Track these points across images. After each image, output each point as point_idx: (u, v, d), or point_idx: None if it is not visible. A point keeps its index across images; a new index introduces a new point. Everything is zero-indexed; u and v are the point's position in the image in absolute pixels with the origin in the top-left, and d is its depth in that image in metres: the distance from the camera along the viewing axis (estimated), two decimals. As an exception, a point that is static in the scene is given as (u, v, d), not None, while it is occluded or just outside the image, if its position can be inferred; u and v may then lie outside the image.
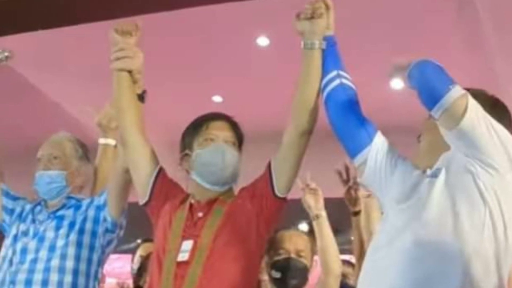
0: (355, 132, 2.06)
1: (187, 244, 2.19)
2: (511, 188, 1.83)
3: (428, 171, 1.93)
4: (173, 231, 2.25)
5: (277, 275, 2.62)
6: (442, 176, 1.87)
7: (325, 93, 2.16)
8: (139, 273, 3.47)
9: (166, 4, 4.49)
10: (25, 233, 2.65)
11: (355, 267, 3.10)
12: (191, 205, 2.29)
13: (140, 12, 3.83)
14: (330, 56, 2.20)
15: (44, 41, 5.54)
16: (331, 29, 2.24)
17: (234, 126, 2.37)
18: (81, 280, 2.56)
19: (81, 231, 2.61)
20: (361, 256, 2.64)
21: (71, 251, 2.57)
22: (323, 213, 2.72)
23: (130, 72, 2.39)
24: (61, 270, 2.54)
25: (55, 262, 2.54)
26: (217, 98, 7.39)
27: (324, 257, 2.65)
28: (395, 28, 5.54)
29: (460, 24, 5.51)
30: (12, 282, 2.53)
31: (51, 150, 2.75)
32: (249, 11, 5.25)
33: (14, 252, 2.61)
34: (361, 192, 2.86)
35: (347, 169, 2.89)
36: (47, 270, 2.53)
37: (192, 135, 2.35)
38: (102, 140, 2.95)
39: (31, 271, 2.53)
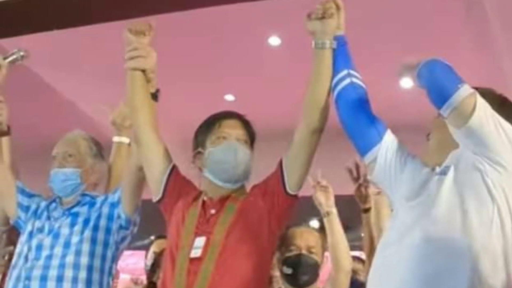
0: (365, 130, 2.07)
1: (200, 241, 2.21)
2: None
3: (437, 169, 1.94)
4: (186, 227, 2.26)
5: (288, 271, 2.65)
6: (451, 174, 1.88)
7: (335, 92, 2.17)
8: (153, 269, 3.50)
9: (179, 5, 4.50)
10: (40, 230, 2.66)
11: (365, 263, 3.11)
12: (203, 202, 2.30)
13: (154, 12, 3.84)
14: (341, 56, 2.22)
15: (59, 40, 5.54)
16: (342, 29, 2.25)
17: (246, 124, 2.39)
18: (96, 276, 2.57)
19: (96, 228, 2.62)
20: (371, 252, 2.66)
21: (86, 247, 2.58)
22: (334, 210, 2.73)
23: (143, 71, 2.41)
24: (76, 266, 2.54)
25: (70, 259, 2.55)
26: (229, 97, 7.40)
27: (335, 253, 2.67)
28: (405, 28, 5.54)
29: (468, 24, 5.50)
30: (28, 278, 2.54)
31: (66, 148, 2.76)
32: (261, 12, 5.26)
33: (29, 249, 2.62)
34: (371, 190, 2.88)
35: (357, 167, 2.91)
36: (62, 266, 2.54)
37: (205, 133, 2.36)
38: (116, 138, 2.97)
39: (46, 267, 2.54)
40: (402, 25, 5.52)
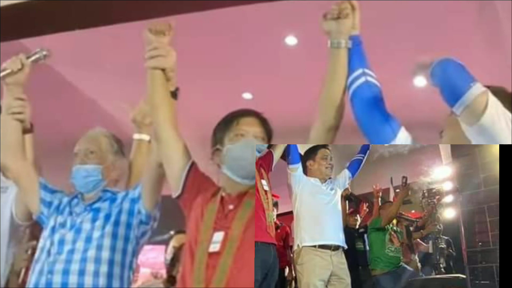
0: (379, 127, 2.11)
1: (218, 236, 2.22)
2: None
3: (450, 165, 1.99)
4: (204, 223, 2.28)
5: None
6: (463, 170, 1.93)
7: (351, 90, 2.20)
8: (172, 263, 3.53)
9: (198, 5, 4.50)
10: (63, 225, 2.70)
11: None
12: (222, 198, 2.31)
13: (173, 12, 3.85)
14: (356, 55, 2.25)
15: (81, 40, 5.53)
16: (357, 29, 2.28)
17: (263, 122, 2.39)
18: (116, 270, 2.61)
19: (117, 223, 2.66)
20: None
21: (107, 242, 2.62)
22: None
23: (163, 70, 2.43)
24: (97, 260, 2.58)
25: (91, 253, 2.59)
26: (247, 95, 7.39)
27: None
28: (419, 28, 5.52)
29: (480, 24, 5.48)
30: (50, 272, 2.59)
31: (88, 145, 2.80)
32: (278, 12, 5.25)
33: (52, 243, 2.66)
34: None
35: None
36: (83, 260, 2.58)
37: (223, 131, 2.37)
38: (136, 136, 3.01)
39: (68, 261, 2.58)
40: (416, 25, 5.51)
